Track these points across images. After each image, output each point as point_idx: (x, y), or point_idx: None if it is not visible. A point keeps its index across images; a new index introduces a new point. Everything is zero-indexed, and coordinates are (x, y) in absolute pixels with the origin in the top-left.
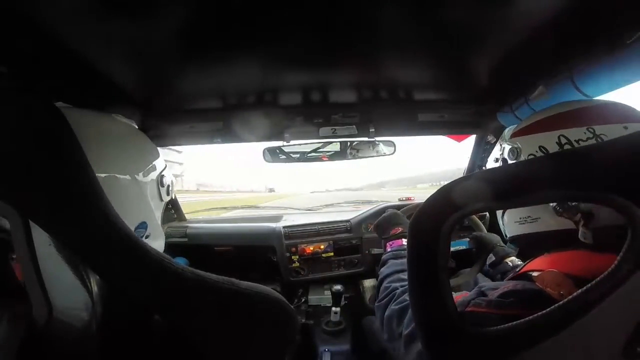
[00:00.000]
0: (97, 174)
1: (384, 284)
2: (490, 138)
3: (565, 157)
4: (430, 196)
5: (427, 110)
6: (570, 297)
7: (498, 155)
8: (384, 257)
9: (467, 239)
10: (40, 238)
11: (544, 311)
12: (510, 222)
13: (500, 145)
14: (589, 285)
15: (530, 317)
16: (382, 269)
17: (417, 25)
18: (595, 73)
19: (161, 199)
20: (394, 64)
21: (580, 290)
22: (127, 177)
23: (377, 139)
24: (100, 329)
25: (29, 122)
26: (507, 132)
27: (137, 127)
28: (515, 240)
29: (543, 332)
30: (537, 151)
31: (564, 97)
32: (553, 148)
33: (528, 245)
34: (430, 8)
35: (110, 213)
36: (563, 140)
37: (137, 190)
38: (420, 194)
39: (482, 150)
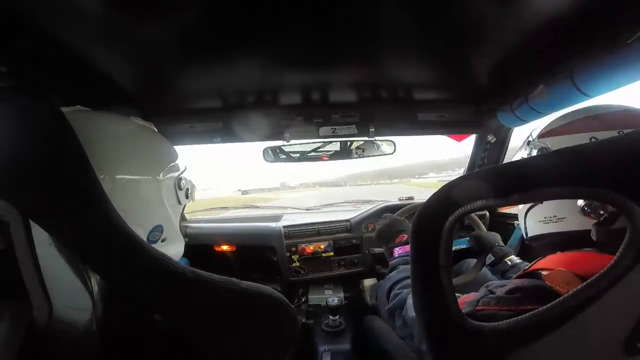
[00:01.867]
0: (113, 176)
1: (395, 290)
2: (490, 138)
3: (566, 156)
4: (432, 195)
5: (427, 110)
6: (570, 292)
7: (525, 154)
8: (393, 262)
9: (468, 238)
10: (41, 238)
11: (545, 306)
12: (534, 221)
13: (527, 146)
14: (589, 281)
15: (531, 312)
16: (392, 274)
17: (418, 25)
18: (595, 73)
19: (179, 202)
20: (394, 63)
21: (580, 286)
22: (142, 179)
23: (377, 138)
24: (100, 329)
25: (29, 122)
26: (534, 132)
27: (155, 129)
28: (537, 239)
29: (544, 327)
30: None
31: (564, 97)
32: None
33: (547, 245)
34: (431, 8)
35: (111, 213)
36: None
37: (153, 192)
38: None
39: (482, 150)
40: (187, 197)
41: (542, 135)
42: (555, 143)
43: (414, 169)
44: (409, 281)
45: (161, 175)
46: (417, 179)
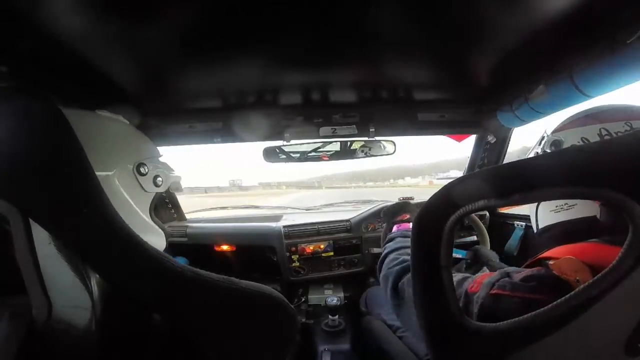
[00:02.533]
0: None
1: (393, 255)
2: (490, 138)
3: (567, 155)
4: (433, 195)
5: (427, 110)
6: (572, 293)
7: (539, 150)
8: (391, 235)
9: (466, 251)
10: (41, 237)
11: (545, 307)
12: (546, 211)
13: (541, 141)
14: (591, 281)
15: (533, 313)
16: (389, 244)
17: (418, 25)
18: (595, 73)
19: (144, 190)
20: (394, 63)
21: (581, 287)
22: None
23: (377, 138)
24: (100, 329)
25: (29, 122)
26: (548, 129)
27: (125, 121)
28: (547, 230)
29: (546, 327)
30: (579, 141)
31: (564, 97)
32: (594, 139)
33: (556, 237)
34: (431, 8)
35: (110, 212)
36: (604, 132)
37: (103, 182)
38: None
39: (482, 150)
40: (156, 185)
41: (555, 130)
42: (567, 134)
43: (388, 173)
44: (408, 250)
45: (114, 164)
46: (393, 182)
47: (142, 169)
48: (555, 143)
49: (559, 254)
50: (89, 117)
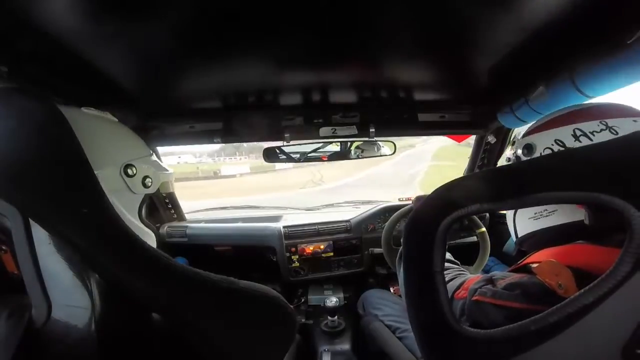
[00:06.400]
0: None
1: None
2: (490, 138)
3: (564, 159)
4: (427, 196)
5: (427, 111)
6: (567, 300)
7: (510, 155)
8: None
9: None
10: (40, 236)
11: (540, 314)
12: (524, 219)
13: (512, 146)
14: (587, 287)
15: (528, 319)
16: None
17: (417, 25)
18: (596, 73)
19: (132, 192)
20: (394, 64)
21: (577, 293)
22: None
23: (377, 139)
24: (99, 329)
25: (28, 122)
26: (519, 134)
27: (114, 119)
28: (527, 239)
29: (540, 335)
30: (552, 144)
31: (564, 98)
32: (569, 140)
33: (539, 243)
34: (431, 8)
35: (109, 211)
36: (578, 133)
37: None
38: None
39: (482, 151)
40: (145, 187)
41: (527, 133)
42: (540, 137)
43: None
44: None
45: (100, 166)
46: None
47: (129, 171)
48: (527, 147)
49: (545, 258)
50: (75, 115)
